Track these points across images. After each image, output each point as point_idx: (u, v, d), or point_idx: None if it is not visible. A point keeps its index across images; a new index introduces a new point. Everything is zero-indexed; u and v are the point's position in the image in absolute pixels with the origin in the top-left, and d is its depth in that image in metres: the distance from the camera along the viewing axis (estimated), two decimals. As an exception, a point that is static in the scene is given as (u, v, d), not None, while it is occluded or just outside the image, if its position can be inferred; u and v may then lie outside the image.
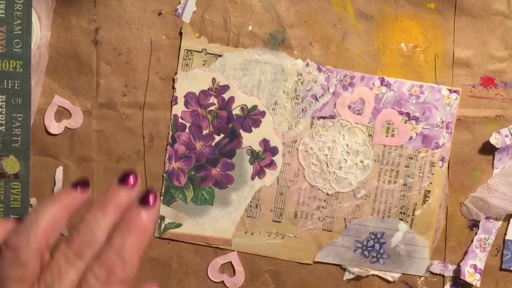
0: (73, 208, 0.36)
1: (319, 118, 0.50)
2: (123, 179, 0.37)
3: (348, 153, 0.50)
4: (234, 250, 0.51)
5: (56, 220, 0.34)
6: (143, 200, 0.35)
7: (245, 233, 0.51)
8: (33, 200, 0.50)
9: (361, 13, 0.49)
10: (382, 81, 0.50)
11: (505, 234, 0.51)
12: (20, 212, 0.50)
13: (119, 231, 0.35)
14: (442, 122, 0.50)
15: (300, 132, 0.50)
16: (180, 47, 0.49)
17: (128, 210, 0.36)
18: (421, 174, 0.50)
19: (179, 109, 0.50)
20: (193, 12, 0.49)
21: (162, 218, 0.51)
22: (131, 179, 0.36)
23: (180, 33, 0.49)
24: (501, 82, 0.50)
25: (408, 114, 0.50)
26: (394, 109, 0.50)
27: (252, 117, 0.50)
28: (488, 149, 0.50)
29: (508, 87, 0.50)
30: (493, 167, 0.51)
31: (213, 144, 0.50)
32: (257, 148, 0.50)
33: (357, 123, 0.50)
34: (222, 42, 0.49)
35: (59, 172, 0.50)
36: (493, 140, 0.50)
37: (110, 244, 0.34)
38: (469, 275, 0.51)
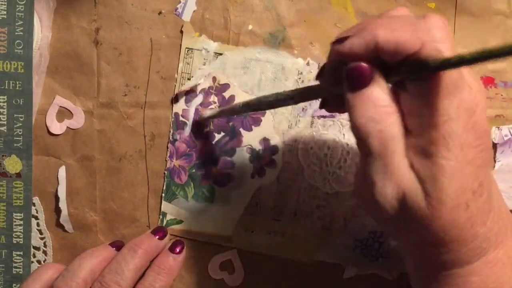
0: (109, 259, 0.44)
1: (320, 117, 0.50)
2: (155, 231, 0.47)
3: (349, 152, 0.50)
4: (234, 248, 0.52)
5: (95, 270, 0.43)
6: (172, 248, 0.47)
7: (245, 231, 0.52)
8: (36, 200, 0.51)
9: (362, 13, 0.49)
10: (382, 80, 0.49)
11: (504, 232, 0.52)
12: (22, 210, 0.50)
13: (151, 271, 0.44)
14: (442, 121, 0.50)
15: (300, 131, 0.50)
16: (180, 45, 0.50)
17: (159, 255, 0.46)
18: (420, 173, 0.50)
19: (180, 107, 0.50)
20: (193, 11, 0.49)
21: (164, 215, 0.51)
22: (162, 232, 0.47)
23: (181, 32, 0.49)
24: (501, 81, 0.50)
25: (408, 113, 0.50)
26: (394, 108, 0.50)
27: (252, 115, 0.50)
28: (488, 148, 0.50)
29: (508, 87, 0.50)
30: (495, 161, 0.51)
31: (213, 142, 0.51)
32: (257, 146, 0.51)
33: (357, 122, 0.50)
34: (223, 41, 0.49)
35: (62, 171, 0.51)
36: (492, 135, 0.49)
37: (143, 280, 0.44)
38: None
